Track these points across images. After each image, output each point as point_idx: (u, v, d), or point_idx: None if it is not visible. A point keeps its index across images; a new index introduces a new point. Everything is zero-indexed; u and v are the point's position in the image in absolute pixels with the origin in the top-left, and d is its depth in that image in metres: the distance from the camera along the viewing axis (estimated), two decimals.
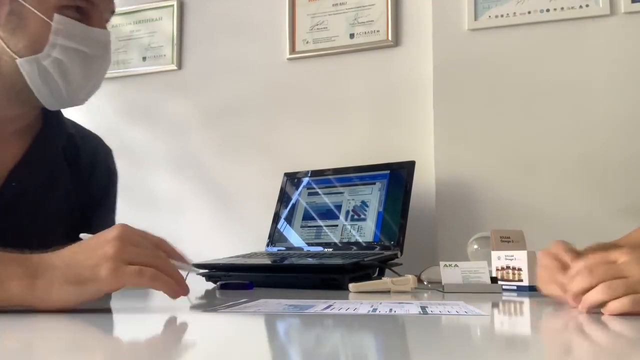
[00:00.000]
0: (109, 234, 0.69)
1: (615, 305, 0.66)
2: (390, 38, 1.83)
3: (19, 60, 0.87)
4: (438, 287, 1.14)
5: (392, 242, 1.50)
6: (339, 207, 1.66)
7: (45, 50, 0.88)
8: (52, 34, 0.87)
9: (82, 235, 0.73)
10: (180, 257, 0.75)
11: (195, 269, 0.85)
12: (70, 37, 0.89)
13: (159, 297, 0.97)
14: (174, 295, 0.71)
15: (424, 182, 1.68)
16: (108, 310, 0.77)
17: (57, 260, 0.68)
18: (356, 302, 0.92)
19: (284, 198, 1.77)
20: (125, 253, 0.67)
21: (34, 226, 0.80)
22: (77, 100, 0.95)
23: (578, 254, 0.78)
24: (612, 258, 0.69)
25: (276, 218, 1.75)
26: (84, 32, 0.90)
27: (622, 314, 0.66)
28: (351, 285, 1.12)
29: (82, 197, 1.03)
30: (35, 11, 0.86)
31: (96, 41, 0.92)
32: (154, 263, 0.69)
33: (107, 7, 0.94)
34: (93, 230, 0.75)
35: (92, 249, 0.67)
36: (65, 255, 0.68)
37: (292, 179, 1.80)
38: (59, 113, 1.02)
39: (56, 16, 0.87)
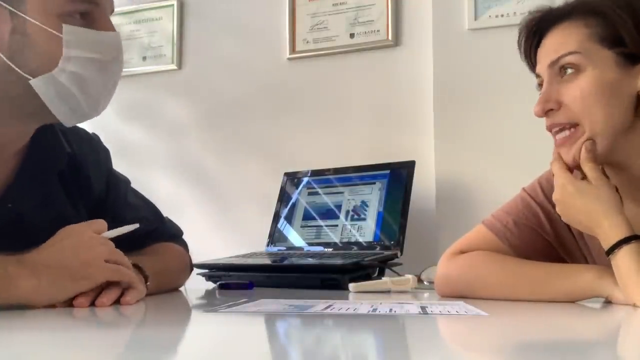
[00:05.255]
0: (85, 234, 0.81)
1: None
2: (390, 38, 1.83)
3: (33, 81, 0.80)
4: None
5: (392, 242, 1.50)
6: (339, 206, 1.66)
7: (59, 65, 0.81)
8: (64, 46, 0.80)
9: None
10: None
11: (129, 227, 0.89)
12: (83, 46, 0.82)
13: (158, 298, 0.97)
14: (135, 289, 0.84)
15: (424, 182, 1.68)
16: (110, 310, 0.77)
17: (51, 260, 0.77)
18: (356, 302, 0.92)
19: (284, 198, 1.77)
20: (105, 254, 0.81)
21: (31, 247, 0.78)
22: (97, 112, 0.89)
23: None
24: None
25: (276, 218, 1.75)
26: (95, 38, 0.83)
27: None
28: (351, 285, 1.12)
29: (87, 204, 1.01)
30: (42, 25, 0.79)
31: (108, 45, 0.85)
32: (119, 259, 0.83)
33: (110, 7, 0.88)
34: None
35: (79, 250, 0.79)
36: (56, 255, 0.77)
37: (292, 178, 1.80)
38: (57, 131, 0.96)
39: (65, 27, 0.80)
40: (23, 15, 0.79)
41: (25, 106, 0.84)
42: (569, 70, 0.87)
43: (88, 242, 0.80)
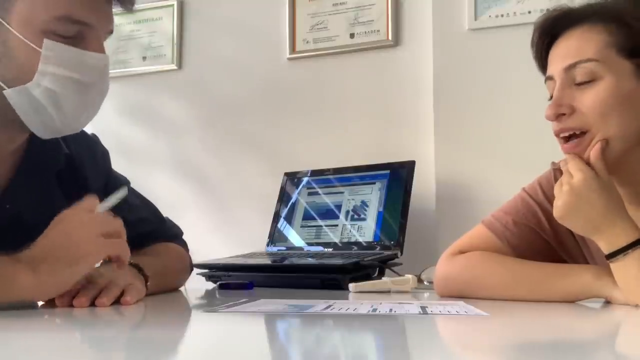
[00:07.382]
0: (76, 216, 0.79)
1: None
2: (390, 38, 1.83)
3: (6, 91, 0.81)
4: None
5: (392, 242, 1.50)
6: (339, 206, 1.65)
7: (34, 79, 0.80)
8: (41, 61, 0.80)
9: None
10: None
11: (118, 194, 0.87)
12: (62, 64, 0.81)
13: (158, 298, 0.97)
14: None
15: (424, 182, 1.68)
16: (110, 310, 0.77)
17: (46, 251, 0.75)
18: (356, 302, 0.92)
19: (284, 198, 1.77)
20: (98, 229, 0.79)
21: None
22: (73, 128, 0.89)
23: None
24: None
25: (276, 218, 1.75)
26: (77, 57, 0.82)
27: None
28: (351, 285, 1.12)
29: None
30: (22, 37, 0.79)
31: (91, 67, 0.84)
32: (115, 230, 0.81)
33: (105, 28, 0.86)
34: None
35: (71, 231, 0.77)
36: (50, 244, 0.76)
37: (292, 178, 1.80)
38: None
39: (46, 41, 0.80)
40: (7, 26, 0.80)
41: (5, 114, 0.84)
42: (585, 77, 0.85)
43: (79, 221, 0.79)
